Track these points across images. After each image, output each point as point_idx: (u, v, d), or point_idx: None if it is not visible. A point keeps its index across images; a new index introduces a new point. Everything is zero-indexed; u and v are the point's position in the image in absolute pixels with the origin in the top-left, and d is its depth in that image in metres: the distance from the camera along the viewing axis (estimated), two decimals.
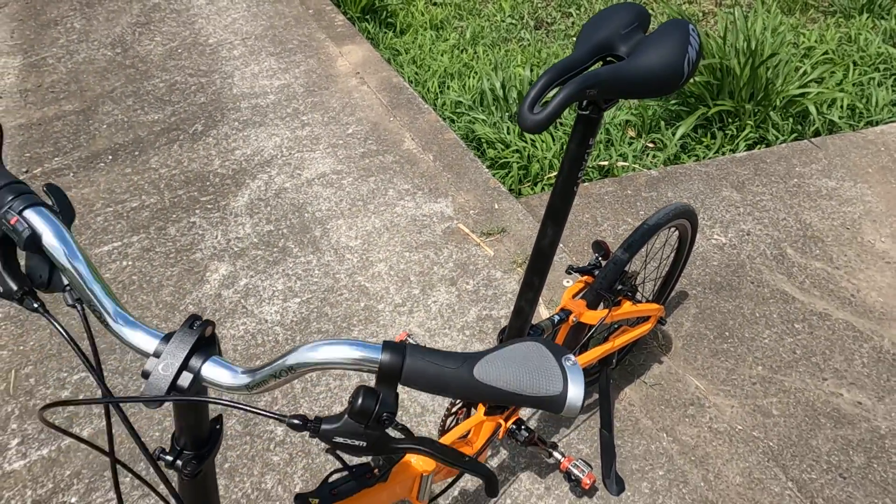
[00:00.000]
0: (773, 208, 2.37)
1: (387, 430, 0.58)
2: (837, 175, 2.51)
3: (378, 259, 2.25)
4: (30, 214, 0.63)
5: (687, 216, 1.57)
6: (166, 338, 0.63)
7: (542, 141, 2.80)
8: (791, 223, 2.30)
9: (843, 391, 1.77)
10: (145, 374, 0.60)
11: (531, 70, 3.16)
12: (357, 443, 0.56)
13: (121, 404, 0.64)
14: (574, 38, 3.86)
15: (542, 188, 2.63)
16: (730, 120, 2.83)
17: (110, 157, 2.84)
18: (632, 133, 2.95)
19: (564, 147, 1.05)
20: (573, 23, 4.08)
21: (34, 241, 0.63)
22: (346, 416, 0.57)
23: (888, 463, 1.62)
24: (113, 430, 0.69)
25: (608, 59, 1.00)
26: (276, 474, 1.70)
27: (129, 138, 2.95)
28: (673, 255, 1.75)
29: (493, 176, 2.60)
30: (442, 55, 3.60)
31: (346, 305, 2.11)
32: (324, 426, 0.57)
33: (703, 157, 2.72)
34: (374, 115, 2.94)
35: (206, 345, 0.63)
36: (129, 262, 2.33)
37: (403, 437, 0.62)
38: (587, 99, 0.95)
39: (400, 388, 0.58)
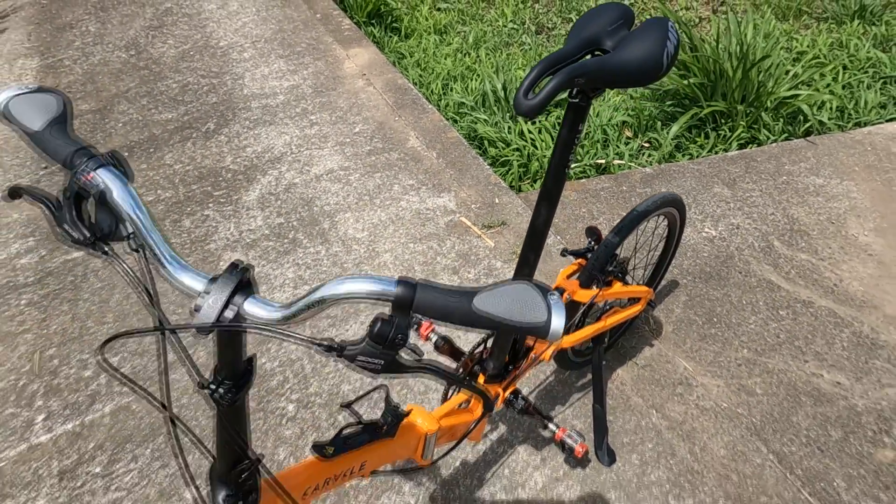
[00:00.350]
0: (762, 204, 2.47)
1: (400, 355, 0.68)
2: (825, 173, 2.62)
3: (384, 250, 2.36)
4: (101, 173, 0.74)
5: (675, 205, 1.68)
6: (212, 280, 0.74)
7: (542, 140, 2.91)
8: (779, 217, 2.40)
9: (823, 372, 1.87)
10: (196, 309, 0.71)
11: (533, 60, 3.28)
12: (375, 362, 0.67)
13: (178, 332, 0.73)
14: None
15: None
16: (723, 120, 2.94)
17: (126, 154, 2.96)
18: (628, 133, 3.06)
19: (556, 136, 1.16)
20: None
21: (104, 195, 0.74)
22: (367, 339, 0.67)
23: (864, 437, 1.72)
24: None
25: (595, 52, 1.10)
26: (288, 447, 1.80)
27: (143, 136, 3.06)
28: (663, 243, 1.85)
29: (495, 173, 2.71)
30: (445, 58, 3.72)
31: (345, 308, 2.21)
32: (348, 349, 0.67)
33: (697, 156, 2.82)
34: (380, 115, 3.06)
35: (246, 286, 0.74)
36: None
37: (414, 361, 0.72)
38: (576, 87, 1.06)
39: None
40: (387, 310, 0.68)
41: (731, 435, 1.73)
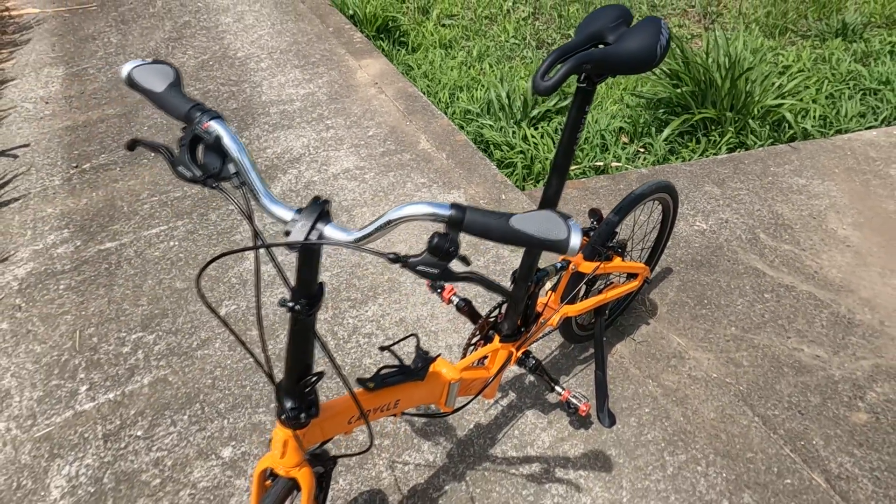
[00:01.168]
0: (748, 201, 2.67)
1: (450, 267, 0.86)
2: (808, 174, 2.82)
3: (399, 240, 2.54)
4: (214, 123, 0.92)
5: (668, 191, 1.87)
6: (299, 211, 0.92)
7: (544, 144, 3.11)
8: (764, 213, 2.60)
9: (804, 347, 2.05)
10: (287, 233, 0.89)
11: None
12: (432, 270, 0.85)
13: (271, 249, 0.91)
14: None
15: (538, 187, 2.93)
16: (713, 127, 3.15)
17: (152, 155, 3.14)
18: (625, 139, 3.27)
19: (566, 117, 1.35)
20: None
21: (218, 140, 0.92)
22: (426, 252, 0.85)
23: (840, 402, 1.89)
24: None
25: (598, 45, 1.30)
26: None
27: (168, 138, 3.25)
28: (658, 227, 2.04)
29: (501, 173, 2.90)
30: (451, 70, 3.93)
31: (372, 278, 2.39)
32: (411, 259, 0.85)
33: (689, 159, 3.02)
34: (392, 120, 3.26)
35: (326, 216, 0.92)
36: (176, 243, 2.62)
37: (464, 272, 0.89)
38: (583, 72, 1.25)
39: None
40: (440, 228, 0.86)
41: (720, 401, 1.91)
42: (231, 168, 0.95)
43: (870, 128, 3.17)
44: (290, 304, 0.98)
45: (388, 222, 0.89)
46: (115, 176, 3.02)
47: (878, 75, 3.47)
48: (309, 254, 0.95)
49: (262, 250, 0.93)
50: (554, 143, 3.12)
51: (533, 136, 3.16)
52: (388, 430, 1.90)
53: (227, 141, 0.93)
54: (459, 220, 0.84)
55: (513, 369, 2.03)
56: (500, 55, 4.22)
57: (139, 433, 1.96)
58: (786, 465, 1.74)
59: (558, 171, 1.39)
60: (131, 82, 1.00)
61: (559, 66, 1.20)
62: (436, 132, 3.14)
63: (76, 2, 4.86)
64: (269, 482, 1.26)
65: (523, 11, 4.81)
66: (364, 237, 0.90)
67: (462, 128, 3.35)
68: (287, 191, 2.84)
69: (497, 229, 0.84)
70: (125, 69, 1.00)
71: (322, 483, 1.35)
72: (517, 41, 4.45)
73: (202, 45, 4.08)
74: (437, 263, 0.85)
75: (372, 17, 4.35)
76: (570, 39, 4.23)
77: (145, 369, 2.14)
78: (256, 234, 0.91)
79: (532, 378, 2.00)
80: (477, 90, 3.65)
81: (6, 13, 4.76)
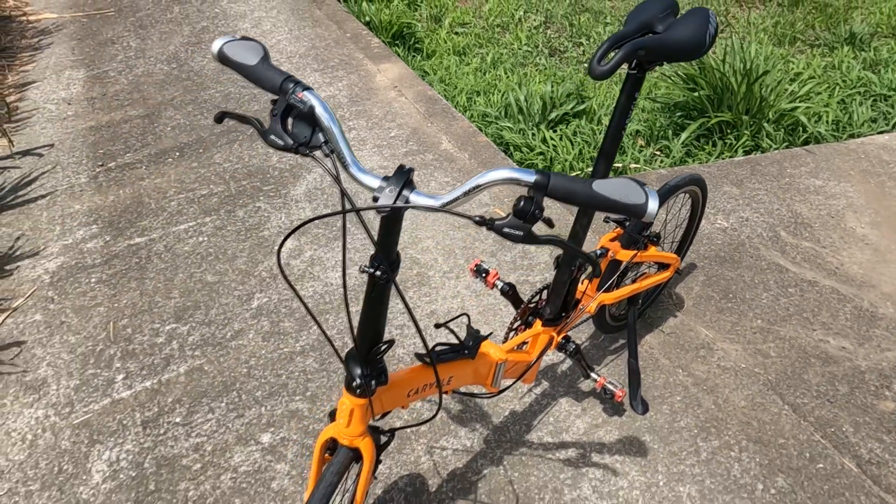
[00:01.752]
0: (767, 201, 2.72)
1: (533, 230, 0.90)
2: (824, 176, 2.87)
3: (426, 236, 2.58)
4: (307, 94, 0.97)
5: (699, 184, 1.92)
6: (385, 178, 0.96)
7: (563, 147, 3.17)
8: (784, 212, 2.65)
9: (829, 339, 2.09)
10: (375, 199, 0.93)
11: (550, 85, 3.55)
12: (516, 232, 0.89)
13: (360, 213, 0.95)
14: (584, 64, 4.26)
15: None
16: (728, 131, 3.21)
17: (177, 154, 3.19)
18: (641, 143, 3.33)
19: (615, 103, 1.40)
20: (584, 51, 4.50)
21: (311, 110, 0.96)
22: (511, 215, 0.90)
23: (867, 391, 1.93)
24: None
25: (648, 34, 1.35)
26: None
27: (192, 138, 3.30)
28: (687, 220, 2.09)
29: None
30: (466, 76, 4.00)
31: (402, 272, 2.43)
32: (497, 222, 0.89)
33: (705, 161, 3.08)
34: (413, 122, 3.31)
35: (410, 183, 0.96)
36: (205, 238, 2.66)
37: (546, 235, 0.93)
38: (637, 59, 1.30)
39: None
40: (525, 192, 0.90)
41: (749, 389, 1.95)
42: (321, 137, 0.99)
43: (882, 132, 3.24)
44: (370, 270, 1.02)
45: (475, 187, 0.93)
46: (142, 174, 3.06)
47: (889, 82, 3.54)
48: (393, 220, 1.00)
49: (350, 215, 0.97)
50: (573, 144, 3.18)
51: (552, 139, 3.21)
52: (425, 417, 1.93)
53: (320, 110, 0.98)
54: (544, 185, 0.89)
55: (545, 360, 2.07)
56: (514, 62, 4.29)
57: (178, 420, 1.99)
58: (817, 450, 1.78)
59: (605, 155, 1.43)
60: (223, 57, 1.04)
61: (614, 52, 1.25)
62: (457, 133, 3.20)
63: (93, 7, 4.92)
64: (328, 456, 1.29)
65: (535, 20, 4.88)
66: (450, 202, 0.94)
67: (481, 130, 3.41)
68: (313, 188, 2.89)
69: (581, 193, 0.89)
70: (216, 45, 1.05)
71: (379, 456, 1.38)
72: (529, 49, 4.52)
73: None
74: (522, 226, 0.89)
75: (388, 24, 4.42)
76: (577, 54, 4.29)
77: (180, 359, 2.17)
78: (345, 198, 0.95)
79: (564, 368, 2.04)
80: (493, 94, 3.71)
81: (24, 18, 4.82)
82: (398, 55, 4.22)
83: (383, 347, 1.14)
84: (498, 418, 1.91)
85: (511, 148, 3.23)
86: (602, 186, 0.89)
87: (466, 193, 0.94)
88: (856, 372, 1.99)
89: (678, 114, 3.33)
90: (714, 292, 2.28)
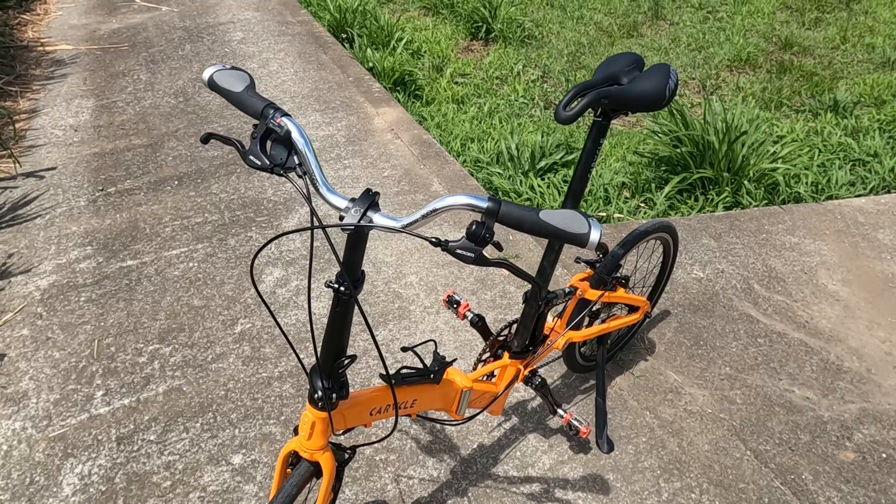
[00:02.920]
0: (743, 254, 2.80)
1: (484, 254, 0.97)
2: (800, 233, 2.96)
3: (410, 272, 2.65)
4: (285, 119, 1.06)
5: (669, 231, 2.00)
6: (352, 200, 1.04)
7: (549, 194, 3.27)
8: (758, 266, 2.73)
9: (794, 389, 2.14)
10: (341, 218, 1.01)
11: (542, 135, 3.67)
12: (468, 254, 0.96)
13: (327, 231, 1.02)
14: (583, 121, 4.41)
15: None
16: (710, 187, 3.31)
17: (176, 183, 3.28)
18: (627, 194, 3.43)
19: (582, 147, 1.49)
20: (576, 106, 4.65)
21: (289, 133, 1.04)
22: (464, 238, 0.97)
23: (828, 441, 1.97)
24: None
25: (614, 85, 1.45)
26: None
27: (192, 169, 3.40)
28: (659, 266, 2.16)
29: None
30: (463, 123, 4.13)
31: (383, 305, 2.49)
32: (451, 244, 0.97)
33: (687, 215, 3.18)
34: (407, 163, 3.42)
35: (375, 206, 1.04)
36: (195, 264, 2.73)
37: (496, 258, 1.00)
38: (601, 107, 1.40)
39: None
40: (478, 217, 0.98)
41: (714, 434, 1.99)
42: (295, 159, 1.07)
43: (859, 195, 3.34)
44: (335, 286, 1.09)
45: (433, 210, 1.01)
46: (139, 200, 3.15)
47: (867, 148, 3.67)
48: (358, 238, 1.07)
49: (317, 232, 1.04)
50: (559, 192, 3.28)
51: (539, 186, 3.32)
52: (393, 446, 1.97)
53: (296, 135, 1.06)
54: (495, 211, 0.97)
55: (516, 397, 2.11)
56: (510, 112, 4.43)
57: (152, 437, 2.02)
58: (776, 496, 1.81)
59: (573, 194, 1.52)
60: (212, 84, 1.13)
61: (579, 99, 1.35)
62: (448, 176, 3.30)
63: (108, 41, 5.11)
64: (289, 470, 1.34)
65: (532, 74, 5.06)
66: (410, 223, 1.02)
67: (472, 175, 3.51)
68: (303, 222, 2.97)
69: (528, 220, 0.96)
70: (207, 73, 1.14)
71: (339, 475, 1.42)
72: (526, 101, 4.68)
73: None
74: (473, 248, 0.96)
75: (390, 71, 4.58)
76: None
77: (161, 378, 2.22)
78: (314, 216, 1.02)
79: (534, 405, 2.09)
80: (487, 142, 3.84)
81: (41, 48, 5.00)
82: (398, 100, 4.36)
83: (346, 362, 1.20)
84: (466, 450, 1.95)
85: (500, 193, 3.33)
86: (549, 216, 0.97)
87: (425, 216, 1.01)
88: (818, 422, 2.03)
89: (663, 168, 3.45)
90: (685, 339, 2.34)
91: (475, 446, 1.96)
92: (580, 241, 0.96)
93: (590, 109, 1.43)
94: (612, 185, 3.40)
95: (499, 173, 3.44)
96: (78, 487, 1.88)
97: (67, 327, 2.43)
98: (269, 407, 2.10)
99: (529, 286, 1.65)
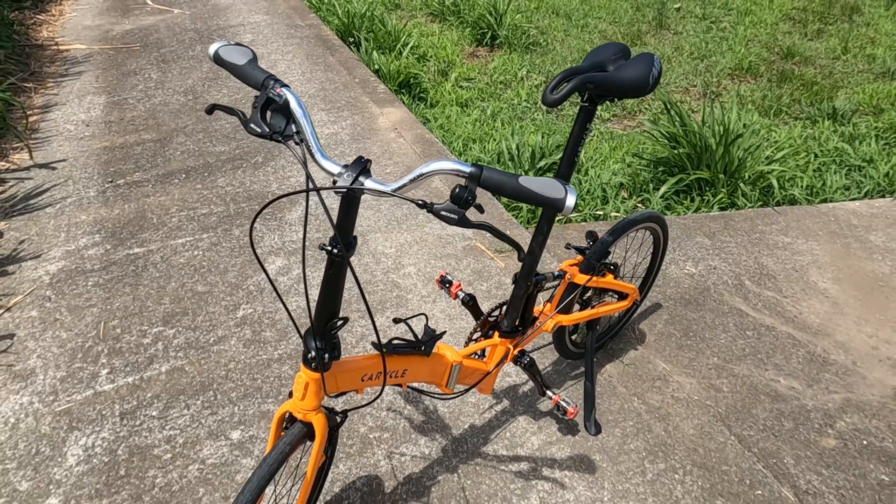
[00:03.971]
0: (736, 252, 2.86)
1: (467, 216, 1.04)
2: (793, 234, 3.02)
3: (408, 263, 2.72)
4: (283, 90, 1.13)
5: (658, 221, 2.06)
6: (345, 166, 1.11)
7: None
8: (751, 264, 2.78)
9: (780, 379, 2.19)
10: (334, 182, 1.08)
11: (542, 136, 3.75)
12: (452, 215, 1.03)
13: (322, 194, 1.09)
14: None
15: None
16: (706, 188, 3.37)
17: (183, 176, 3.37)
18: (624, 194, 3.49)
19: (570, 132, 1.55)
20: (579, 110, 4.73)
21: (286, 104, 1.12)
22: (449, 200, 1.03)
23: (811, 428, 2.02)
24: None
25: (601, 72, 1.52)
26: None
27: (199, 163, 3.48)
28: (650, 256, 2.22)
29: (507, 212, 3.11)
30: (466, 125, 4.21)
31: (381, 294, 2.56)
32: (435, 206, 1.03)
33: (682, 214, 3.23)
34: (409, 161, 3.49)
35: (367, 171, 1.11)
36: (200, 252, 2.80)
37: (477, 221, 1.06)
38: (587, 91, 1.47)
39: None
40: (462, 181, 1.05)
41: (699, 419, 2.04)
42: (293, 128, 1.15)
43: (853, 199, 3.39)
44: (329, 248, 1.16)
45: (420, 175, 1.08)
46: (147, 192, 3.24)
47: (863, 153, 3.72)
48: (350, 202, 1.14)
49: (312, 197, 1.11)
50: None
51: None
52: (387, 424, 2.03)
53: (294, 105, 1.14)
54: (477, 176, 1.03)
55: (507, 381, 2.17)
56: (513, 115, 4.51)
57: (154, 413, 2.09)
58: (758, 478, 1.86)
59: (563, 177, 1.58)
60: (217, 58, 1.21)
61: (566, 83, 1.42)
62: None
63: (121, 41, 5.22)
64: (283, 433, 1.40)
65: (536, 79, 5.14)
66: (400, 187, 1.08)
67: None
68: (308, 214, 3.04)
69: (508, 185, 1.03)
70: (212, 48, 1.22)
71: (332, 439, 1.48)
72: (528, 105, 4.75)
73: (236, 86, 4.38)
74: (457, 210, 1.03)
75: (395, 73, 4.67)
76: (574, 112, 4.52)
77: (164, 359, 2.29)
78: (309, 179, 1.09)
79: (525, 389, 2.14)
80: (489, 143, 3.91)
81: (55, 47, 5.11)
82: (402, 102, 4.45)
83: (339, 323, 1.26)
84: (457, 430, 2.00)
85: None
86: (528, 181, 1.03)
87: (413, 180, 1.08)
88: (802, 410, 2.08)
89: (660, 169, 3.51)
90: (675, 330, 2.39)
91: (466, 426, 2.01)
92: (556, 205, 1.02)
93: (577, 95, 1.51)
94: (609, 185, 3.46)
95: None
96: (82, 458, 1.95)
97: (75, 310, 2.51)
98: (267, 387, 2.17)
99: (519, 270, 1.71)
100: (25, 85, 4.43)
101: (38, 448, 1.98)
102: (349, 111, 4.04)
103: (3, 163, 3.52)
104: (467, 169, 1.04)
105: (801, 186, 3.44)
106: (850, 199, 3.41)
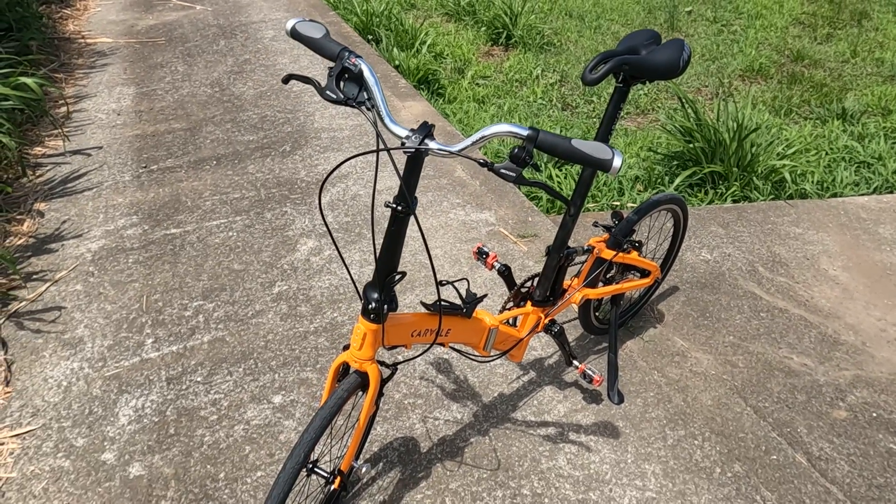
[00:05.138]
0: (749, 241, 2.97)
1: (523, 174, 1.15)
2: (804, 225, 3.13)
3: (435, 246, 2.84)
4: (358, 60, 1.24)
5: (679, 204, 2.17)
6: (411, 130, 1.22)
7: (567, 183, 3.44)
8: (763, 252, 2.89)
9: (793, 356, 2.30)
10: (402, 144, 1.19)
11: (560, 129, 3.86)
12: (511, 173, 1.14)
13: (391, 153, 1.20)
14: (595, 119, 4.59)
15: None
16: (720, 181, 3.48)
17: (214, 163, 3.49)
18: (640, 187, 3.60)
19: (604, 112, 1.67)
20: (594, 108, 4.84)
21: (360, 72, 1.23)
22: (508, 159, 1.15)
23: (823, 401, 2.13)
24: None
25: (635, 55, 1.63)
26: None
27: (229, 151, 3.61)
28: (671, 236, 2.34)
29: (528, 200, 3.22)
30: (483, 120, 4.32)
31: (410, 274, 2.67)
32: (496, 165, 1.15)
33: (697, 206, 3.35)
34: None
35: (431, 135, 1.22)
36: (234, 234, 2.92)
37: (534, 179, 1.18)
38: (622, 72, 1.58)
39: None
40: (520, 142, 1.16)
41: (717, 392, 2.15)
42: (365, 95, 1.26)
43: (863, 194, 3.50)
44: (393, 205, 1.27)
45: (482, 137, 1.19)
46: (181, 177, 3.36)
47: (872, 151, 3.83)
48: (415, 162, 1.25)
49: (382, 157, 1.22)
50: (574, 181, 3.46)
51: (557, 176, 3.50)
52: (421, 392, 2.14)
53: (367, 74, 1.25)
54: (534, 138, 1.15)
55: (534, 355, 2.28)
56: (529, 112, 4.63)
57: (199, 379, 2.20)
58: (772, 444, 1.97)
59: None
60: (294, 33, 1.33)
61: (603, 64, 1.53)
62: (470, 164, 3.49)
63: (146, 36, 5.36)
64: (337, 384, 1.51)
65: (551, 78, 5.26)
66: (463, 148, 1.20)
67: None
68: (335, 200, 3.17)
69: (561, 146, 1.15)
70: (289, 24, 1.34)
71: (380, 390, 1.59)
72: (544, 103, 4.87)
73: (260, 79, 4.51)
74: (515, 169, 1.15)
75: (415, 70, 4.80)
76: (588, 110, 4.62)
77: (205, 330, 2.40)
78: (379, 139, 1.21)
79: (551, 361, 2.25)
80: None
81: (82, 40, 5.25)
82: (423, 96, 4.56)
83: (397, 277, 1.38)
84: (487, 398, 2.12)
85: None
86: (579, 144, 1.15)
87: (475, 142, 1.20)
88: (814, 385, 2.19)
89: (674, 163, 3.62)
90: (693, 311, 2.50)
91: (496, 395, 2.13)
92: (605, 165, 1.14)
93: (612, 77, 1.62)
94: (626, 178, 3.58)
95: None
96: (133, 418, 2.06)
97: (117, 284, 2.63)
98: (305, 356, 2.28)
99: (552, 243, 1.82)
100: (56, 76, 4.56)
101: (91, 409, 2.10)
102: None
103: (40, 148, 3.65)
104: (524, 132, 1.16)
105: (813, 181, 3.54)
106: (859, 195, 3.52)
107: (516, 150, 1.15)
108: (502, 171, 1.14)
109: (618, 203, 3.36)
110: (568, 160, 1.17)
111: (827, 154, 3.87)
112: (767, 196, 3.42)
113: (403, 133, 1.24)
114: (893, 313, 2.53)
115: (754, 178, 3.44)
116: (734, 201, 3.40)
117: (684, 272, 2.72)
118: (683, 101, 3.71)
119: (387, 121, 1.26)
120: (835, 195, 3.51)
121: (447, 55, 5.43)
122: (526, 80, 5.22)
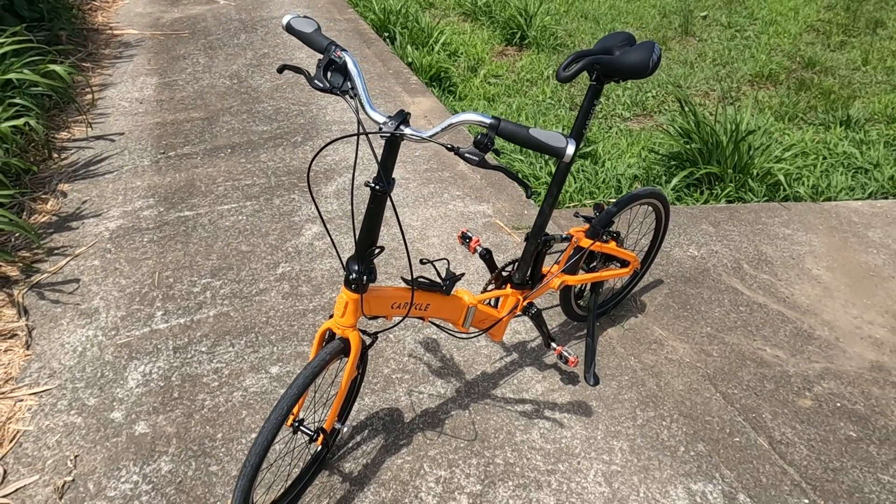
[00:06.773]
0: (738, 240, 3.06)
1: (487, 157, 1.28)
2: (794, 226, 3.21)
3: (432, 234, 2.97)
4: (343, 53, 1.39)
5: (659, 198, 2.29)
6: (389, 117, 1.36)
7: (568, 182, 3.56)
8: (750, 250, 2.99)
9: (766, 348, 2.40)
10: (379, 130, 1.33)
11: (562, 129, 3.97)
12: (474, 157, 1.27)
13: (369, 137, 1.34)
14: (600, 119, 4.69)
15: (564, 208, 3.36)
16: (716, 182, 3.58)
17: (229, 151, 3.66)
18: (638, 186, 3.71)
19: (579, 108, 1.79)
20: (601, 108, 4.95)
21: (345, 64, 1.37)
22: (472, 144, 1.28)
23: (790, 390, 2.23)
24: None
25: (607, 55, 1.76)
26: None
27: (243, 140, 3.77)
28: (653, 231, 2.45)
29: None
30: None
31: (399, 264, 2.81)
32: (461, 149, 1.28)
33: (691, 205, 3.45)
34: (436, 146, 3.75)
35: (407, 122, 1.36)
36: (244, 217, 3.08)
37: (496, 164, 1.31)
38: (594, 71, 1.71)
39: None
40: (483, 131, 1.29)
41: (689, 378, 2.26)
42: (349, 85, 1.40)
43: (857, 199, 3.58)
44: (373, 185, 1.41)
45: (450, 125, 1.33)
46: (196, 163, 3.53)
47: (870, 157, 3.90)
48: (392, 145, 1.39)
49: (362, 140, 1.36)
50: (575, 180, 3.58)
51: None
52: (408, 367, 2.28)
53: (351, 66, 1.40)
54: (496, 126, 1.28)
55: (517, 338, 2.41)
56: (537, 111, 4.75)
57: (203, 349, 2.36)
58: (737, 428, 2.08)
59: None
60: (289, 27, 1.47)
61: (576, 64, 1.66)
62: None
63: (170, 28, 5.56)
64: (322, 347, 1.65)
65: None
66: (434, 134, 1.34)
67: (495, 158, 3.83)
68: (341, 189, 3.31)
69: (520, 134, 1.28)
70: (285, 19, 1.48)
71: (363, 358, 1.73)
72: (552, 102, 4.99)
73: (277, 73, 4.67)
74: (478, 153, 1.28)
75: (427, 67, 4.94)
76: (598, 119, 4.74)
77: (211, 305, 2.56)
78: (360, 125, 1.34)
79: (532, 345, 2.38)
80: None
81: (109, 31, 5.46)
82: (432, 93, 4.70)
83: (376, 251, 1.52)
84: (470, 375, 2.25)
85: (519, 176, 3.64)
86: (536, 132, 1.28)
87: (444, 129, 1.33)
88: (783, 375, 2.29)
89: (673, 163, 3.72)
90: (674, 303, 2.61)
91: (478, 373, 2.26)
92: (559, 152, 1.27)
93: (586, 74, 1.74)
94: (624, 177, 3.68)
95: (520, 160, 3.75)
96: (140, 382, 2.22)
97: (132, 261, 2.80)
98: (303, 332, 2.43)
99: (530, 230, 1.95)
100: (83, 65, 4.76)
101: (103, 372, 2.26)
102: (382, 99, 4.30)
103: (65, 133, 3.84)
104: (488, 120, 1.29)
105: (808, 185, 3.62)
106: (853, 199, 3.59)
107: (479, 136, 1.28)
108: (466, 154, 1.27)
109: (613, 199, 3.47)
110: (526, 147, 1.30)
111: (825, 159, 3.94)
112: (762, 198, 3.51)
113: (381, 119, 1.37)
114: (870, 312, 2.62)
115: (749, 180, 3.53)
116: (728, 201, 3.50)
117: (670, 266, 2.83)
118: (683, 103, 3.81)
119: (367, 108, 1.40)
120: (829, 199, 3.59)
121: (461, 54, 5.56)
122: (537, 80, 5.33)
